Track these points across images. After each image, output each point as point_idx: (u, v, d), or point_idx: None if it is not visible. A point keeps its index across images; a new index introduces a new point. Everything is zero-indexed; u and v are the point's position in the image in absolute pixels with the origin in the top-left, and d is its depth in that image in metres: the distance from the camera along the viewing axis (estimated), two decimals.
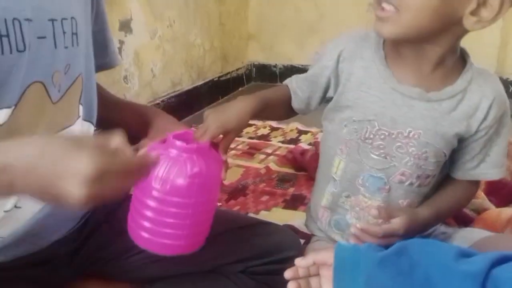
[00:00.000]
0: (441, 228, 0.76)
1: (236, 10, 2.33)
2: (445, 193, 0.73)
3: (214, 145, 0.62)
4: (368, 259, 0.51)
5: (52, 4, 0.57)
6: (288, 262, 0.69)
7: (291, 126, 1.77)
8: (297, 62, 2.41)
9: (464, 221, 0.95)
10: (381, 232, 0.63)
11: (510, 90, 2.18)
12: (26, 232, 0.60)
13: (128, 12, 1.55)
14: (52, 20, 0.57)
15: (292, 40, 2.43)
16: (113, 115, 0.75)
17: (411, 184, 0.69)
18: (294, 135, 1.71)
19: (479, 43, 2.00)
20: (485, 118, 0.66)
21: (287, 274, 0.57)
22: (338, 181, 0.73)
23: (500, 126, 0.68)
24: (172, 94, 1.85)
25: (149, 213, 0.56)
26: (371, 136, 0.68)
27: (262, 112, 0.70)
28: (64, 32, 0.58)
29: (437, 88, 0.66)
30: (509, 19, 2.02)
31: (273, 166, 1.40)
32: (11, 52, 0.52)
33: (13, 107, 0.54)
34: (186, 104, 1.92)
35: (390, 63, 0.68)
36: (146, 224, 0.57)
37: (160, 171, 0.54)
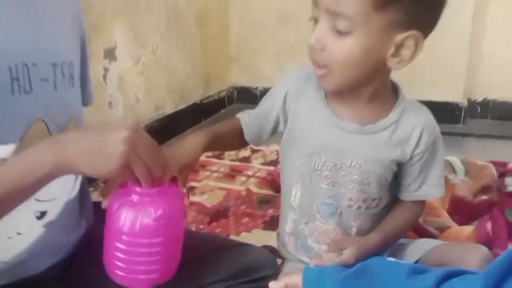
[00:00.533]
0: (400, 240, 0.84)
1: (218, 35, 2.41)
2: (393, 215, 0.81)
3: (173, 179, 0.66)
4: (332, 280, 0.58)
5: (54, 50, 0.64)
6: (265, 280, 0.76)
7: (271, 148, 1.83)
8: None
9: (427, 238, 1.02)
10: (335, 263, 0.70)
11: (478, 111, 2.30)
12: (26, 258, 0.64)
13: (113, 41, 1.61)
14: (54, 64, 0.63)
15: (272, 63, 2.51)
16: None
17: (359, 207, 0.77)
18: (274, 157, 1.77)
19: (447, 66, 2.12)
20: (417, 145, 0.74)
21: None
22: (296, 209, 0.80)
23: (434, 150, 0.76)
24: (156, 118, 1.90)
25: (120, 255, 0.62)
26: (319, 167, 0.75)
27: (214, 146, 0.79)
28: (63, 75, 0.64)
29: (372, 121, 0.74)
30: (475, 43, 2.14)
31: (254, 188, 1.46)
32: (19, 93, 0.58)
33: (18, 142, 0.59)
34: (169, 128, 1.97)
35: (330, 101, 0.76)
36: (119, 264, 0.62)
37: (126, 216, 0.60)
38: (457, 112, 2.18)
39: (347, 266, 0.63)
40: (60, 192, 0.68)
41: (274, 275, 0.79)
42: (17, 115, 0.59)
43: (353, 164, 0.74)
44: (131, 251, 0.61)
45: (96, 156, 0.54)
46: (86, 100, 0.80)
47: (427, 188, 0.79)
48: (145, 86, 1.83)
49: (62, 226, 0.70)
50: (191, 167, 0.74)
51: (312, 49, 0.68)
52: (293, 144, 0.78)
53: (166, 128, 1.94)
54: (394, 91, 0.77)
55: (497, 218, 1.06)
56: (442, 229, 1.05)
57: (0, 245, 0.62)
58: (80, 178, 0.73)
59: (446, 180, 1.25)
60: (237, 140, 0.83)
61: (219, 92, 2.47)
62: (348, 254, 0.71)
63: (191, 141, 0.75)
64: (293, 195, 0.80)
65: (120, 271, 0.63)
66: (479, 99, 2.27)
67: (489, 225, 1.05)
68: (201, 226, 1.22)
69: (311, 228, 0.80)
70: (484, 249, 0.76)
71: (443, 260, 0.73)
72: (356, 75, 0.70)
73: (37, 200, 0.64)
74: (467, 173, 1.30)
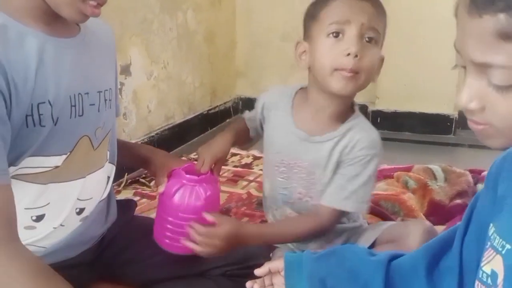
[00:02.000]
0: (365, 225, 1.00)
1: (225, 51, 2.57)
2: (292, 218, 0.91)
3: (210, 170, 0.88)
4: (308, 259, 0.69)
5: (100, 80, 0.81)
6: (258, 267, 0.91)
7: None
8: None
9: None
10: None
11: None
12: (64, 244, 0.80)
13: (128, 58, 1.78)
14: (99, 92, 0.80)
15: (276, 76, 2.65)
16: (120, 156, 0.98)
17: (307, 201, 0.92)
18: None
19: (439, 80, 2.25)
20: (349, 155, 0.86)
21: (249, 285, 0.72)
22: (267, 197, 0.97)
23: (363, 167, 0.85)
24: (166, 127, 2.07)
25: (172, 227, 0.83)
26: (278, 164, 0.92)
27: (237, 141, 0.98)
28: (105, 100, 0.81)
29: (321, 133, 0.89)
30: None
31: (254, 192, 1.60)
32: (75, 117, 0.75)
33: (68, 154, 0.75)
34: (178, 136, 2.13)
35: (294, 112, 0.91)
36: (169, 234, 0.83)
37: (183, 196, 0.82)
38: (448, 124, 2.31)
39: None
40: (96, 193, 0.84)
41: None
42: (71, 134, 0.75)
43: (302, 164, 0.90)
44: (181, 224, 0.82)
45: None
46: (117, 114, 0.97)
47: (339, 199, 0.86)
48: (156, 98, 2.00)
49: (93, 220, 0.85)
50: (223, 159, 0.94)
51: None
52: (266, 145, 0.96)
53: (175, 137, 2.10)
54: (350, 107, 0.92)
55: None
56: None
57: (47, 234, 0.78)
58: (110, 181, 0.89)
59: (426, 186, 1.40)
60: (248, 135, 1.02)
61: (225, 103, 2.63)
62: (221, 229, 0.81)
63: (221, 140, 0.95)
64: (265, 186, 0.98)
65: (169, 240, 0.84)
66: None
67: None
68: None
69: (280, 214, 0.96)
70: (427, 223, 0.91)
71: (394, 236, 0.86)
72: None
73: (79, 199, 0.80)
74: (446, 179, 1.44)
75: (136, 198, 1.51)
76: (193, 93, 2.31)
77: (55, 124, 0.71)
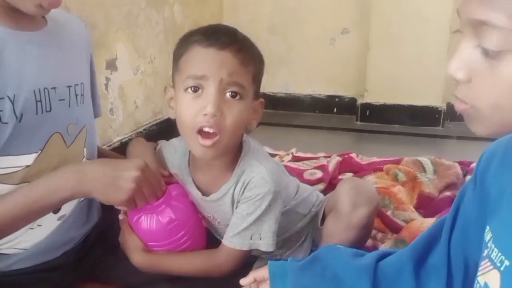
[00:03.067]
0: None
1: None
2: (197, 253, 0.86)
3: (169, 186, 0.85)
4: (293, 268, 0.68)
5: (70, 74, 0.78)
6: (247, 266, 0.90)
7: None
8: (268, 90, 2.62)
9: (395, 228, 1.16)
10: None
11: (458, 114, 2.42)
12: (44, 245, 0.78)
13: (114, 53, 1.75)
14: (69, 87, 0.77)
15: (264, 71, 2.65)
16: None
17: None
18: None
19: (428, 73, 2.25)
20: (245, 198, 0.81)
21: None
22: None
23: (254, 207, 0.80)
24: (153, 123, 2.04)
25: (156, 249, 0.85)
26: (209, 220, 0.90)
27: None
28: (76, 95, 0.78)
29: (216, 188, 0.83)
30: (453, 53, 2.28)
31: None
32: (42, 113, 0.72)
33: (39, 152, 0.73)
34: (166, 131, 2.10)
35: (191, 171, 0.85)
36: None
37: (144, 228, 0.82)
38: (436, 116, 2.32)
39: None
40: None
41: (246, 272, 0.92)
42: (40, 131, 0.72)
43: (217, 221, 0.89)
44: (162, 247, 0.83)
45: (110, 188, 0.70)
46: (95, 113, 0.94)
47: (231, 236, 0.82)
48: (143, 93, 1.97)
49: (73, 220, 0.83)
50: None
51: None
52: None
53: (163, 132, 2.07)
54: (239, 143, 0.84)
55: None
56: (407, 221, 1.19)
57: (24, 235, 0.76)
58: None
59: (416, 178, 1.40)
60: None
61: None
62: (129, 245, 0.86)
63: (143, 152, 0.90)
64: None
65: None
66: None
67: None
68: None
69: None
70: (354, 180, 0.98)
71: (331, 204, 0.91)
72: (236, 140, 0.82)
73: None
74: (435, 172, 1.44)
75: None
76: None
77: (19, 121, 0.69)
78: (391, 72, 2.31)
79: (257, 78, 0.81)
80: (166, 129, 2.11)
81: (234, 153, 0.83)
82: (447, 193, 1.33)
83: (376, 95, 2.36)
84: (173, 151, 0.89)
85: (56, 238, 0.81)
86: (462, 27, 0.43)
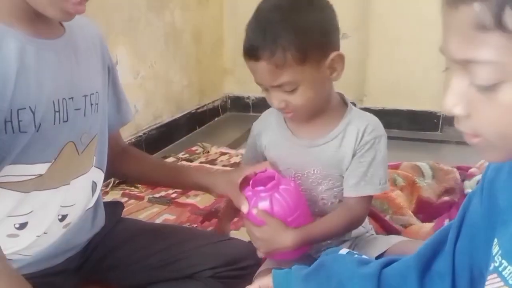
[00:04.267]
0: (371, 231, 0.98)
1: (212, 49, 2.56)
2: (328, 217, 0.90)
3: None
4: (297, 277, 0.67)
5: (85, 84, 0.78)
6: (247, 269, 0.90)
7: None
8: None
9: (393, 233, 1.17)
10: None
11: None
12: (48, 252, 0.78)
13: (115, 57, 1.76)
14: (85, 96, 0.77)
15: None
16: (151, 174, 0.99)
17: (332, 203, 0.91)
18: None
19: (426, 78, 2.27)
20: (358, 143, 0.86)
21: None
22: None
23: (374, 150, 0.86)
24: (153, 127, 2.05)
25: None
26: (293, 179, 0.90)
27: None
28: (91, 104, 0.78)
29: (323, 133, 0.88)
30: None
31: None
32: (59, 123, 0.72)
33: (52, 161, 0.73)
34: (166, 135, 2.12)
35: (289, 125, 0.90)
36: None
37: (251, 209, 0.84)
38: (435, 121, 2.33)
39: (306, 264, 0.72)
40: (79, 201, 0.82)
41: (255, 265, 0.93)
42: (55, 140, 0.72)
43: (315, 171, 0.89)
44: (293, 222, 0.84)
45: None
46: (125, 119, 0.95)
47: (363, 185, 0.86)
48: (144, 97, 1.98)
49: (79, 228, 0.83)
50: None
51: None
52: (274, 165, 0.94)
53: (163, 136, 2.09)
54: (343, 102, 0.91)
55: (454, 217, 1.20)
56: (406, 225, 1.19)
57: (30, 242, 0.76)
58: (97, 192, 0.87)
59: (414, 183, 1.41)
60: None
61: (213, 102, 2.62)
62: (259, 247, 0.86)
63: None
64: None
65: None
66: None
67: (446, 222, 1.20)
68: (194, 225, 1.36)
69: None
70: None
71: (405, 252, 0.85)
72: (317, 101, 0.84)
73: (61, 206, 0.78)
74: (433, 177, 1.45)
75: (124, 199, 1.50)
76: (181, 92, 2.29)
77: (37, 131, 0.69)
78: (390, 77, 2.32)
79: (309, 51, 0.79)
80: (166, 133, 2.12)
81: (334, 106, 0.89)
82: (446, 198, 1.34)
83: (375, 99, 2.37)
84: (262, 119, 0.95)
85: (61, 245, 0.81)
86: (449, 64, 0.43)
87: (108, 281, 0.91)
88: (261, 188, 0.84)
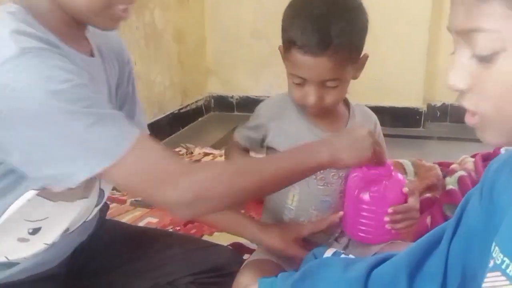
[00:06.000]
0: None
1: (194, 49, 2.54)
2: None
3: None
4: (283, 285, 0.66)
5: (107, 97, 0.76)
6: (227, 276, 0.89)
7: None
8: (252, 93, 2.62)
9: None
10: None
11: (438, 115, 2.48)
12: (42, 258, 0.76)
13: None
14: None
15: (247, 74, 2.65)
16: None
17: (341, 196, 0.91)
18: None
19: (407, 74, 2.28)
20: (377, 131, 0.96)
21: None
22: (294, 210, 0.92)
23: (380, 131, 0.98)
24: None
25: (364, 221, 0.87)
26: (317, 173, 0.88)
27: None
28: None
29: (342, 125, 0.92)
30: (432, 52, 2.31)
31: None
32: None
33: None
34: (151, 135, 2.09)
35: (309, 117, 0.90)
36: (362, 227, 0.88)
37: (357, 188, 0.86)
38: (417, 117, 2.35)
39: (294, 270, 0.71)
40: (79, 217, 0.79)
41: (236, 272, 0.90)
42: None
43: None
44: (355, 213, 0.87)
45: (356, 149, 0.76)
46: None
47: None
48: None
49: (76, 233, 0.82)
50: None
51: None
52: None
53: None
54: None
55: (436, 213, 1.21)
56: None
57: (38, 250, 0.75)
58: (104, 199, 0.84)
59: None
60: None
61: (196, 102, 2.60)
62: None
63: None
64: (290, 199, 0.93)
65: (363, 233, 0.88)
66: (438, 104, 2.45)
67: (428, 219, 1.21)
68: (177, 228, 1.34)
69: (307, 219, 0.93)
70: None
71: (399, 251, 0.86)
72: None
73: (75, 217, 0.77)
74: (416, 173, 1.46)
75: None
76: (163, 92, 2.27)
77: None
78: (373, 74, 2.31)
79: (358, 50, 0.85)
80: (151, 133, 2.09)
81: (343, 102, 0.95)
82: (428, 195, 1.35)
83: (358, 96, 2.34)
84: (276, 105, 0.94)
85: (57, 251, 0.79)
86: (455, 42, 0.43)
87: (96, 286, 0.89)
88: (376, 172, 0.86)
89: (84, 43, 0.72)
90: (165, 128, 2.25)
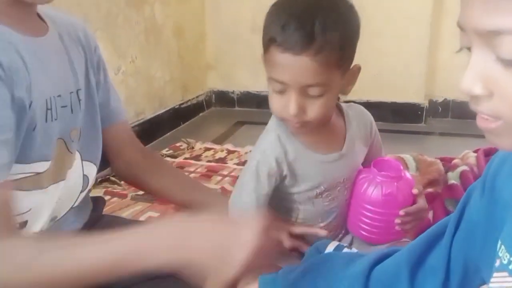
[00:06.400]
0: None
1: (194, 44, 2.53)
2: None
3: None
4: (283, 283, 0.64)
5: (71, 81, 0.77)
6: None
7: (246, 149, 1.95)
8: (252, 89, 2.62)
9: None
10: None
11: (439, 110, 2.47)
12: None
13: None
14: (71, 93, 0.76)
15: (247, 69, 2.64)
16: (194, 198, 0.93)
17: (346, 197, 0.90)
18: (248, 157, 1.89)
19: (409, 70, 2.28)
20: (372, 135, 0.91)
21: None
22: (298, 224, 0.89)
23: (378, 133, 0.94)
24: (136, 124, 2.02)
25: (364, 219, 0.86)
26: (318, 194, 0.85)
27: None
28: (75, 101, 0.77)
29: (342, 140, 0.85)
30: (433, 48, 2.30)
31: (228, 187, 1.58)
32: (52, 121, 0.71)
33: (49, 159, 0.72)
34: (149, 132, 2.08)
35: (304, 141, 0.81)
36: (363, 225, 0.87)
37: (367, 190, 0.84)
38: (419, 112, 2.35)
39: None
40: (65, 201, 0.80)
41: None
42: (49, 139, 0.71)
43: (344, 179, 0.86)
44: (362, 213, 0.86)
45: (217, 262, 0.52)
46: (114, 118, 0.90)
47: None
48: (125, 94, 1.94)
49: (65, 221, 0.81)
50: None
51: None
52: (288, 188, 0.84)
53: (146, 133, 2.05)
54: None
55: (438, 208, 1.20)
56: None
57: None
58: (89, 185, 0.85)
59: None
60: None
61: (197, 97, 2.59)
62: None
63: None
64: (294, 217, 0.88)
65: (364, 232, 0.88)
66: (440, 99, 2.44)
67: (430, 214, 1.20)
68: None
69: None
70: None
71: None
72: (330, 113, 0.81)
73: (56, 202, 0.77)
74: (417, 168, 1.45)
75: (106, 197, 1.47)
76: (163, 87, 2.26)
77: (33, 130, 0.67)
78: (374, 70, 2.32)
79: (346, 55, 0.75)
80: (148, 130, 2.09)
81: (336, 113, 0.86)
82: (430, 190, 1.34)
83: (359, 92, 2.34)
84: (278, 143, 0.81)
85: None
86: (469, 41, 0.38)
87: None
88: (385, 173, 0.85)
89: (34, 25, 0.71)
90: (166, 123, 2.25)
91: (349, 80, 0.79)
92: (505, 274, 0.43)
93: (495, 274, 0.44)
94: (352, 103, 0.93)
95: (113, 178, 1.61)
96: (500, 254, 0.44)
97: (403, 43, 2.25)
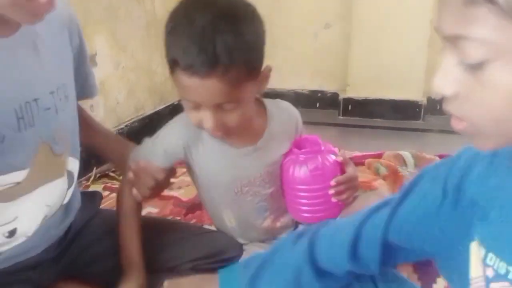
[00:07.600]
0: None
1: None
2: None
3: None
4: (242, 277, 0.66)
5: (51, 77, 0.70)
6: (230, 261, 0.90)
7: None
8: None
9: None
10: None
11: (438, 108, 2.47)
12: (25, 245, 0.76)
13: (93, 47, 1.72)
14: (52, 93, 0.70)
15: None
16: (97, 141, 0.96)
17: (277, 190, 0.93)
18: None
19: (408, 67, 2.28)
20: (298, 130, 0.92)
21: None
22: (236, 227, 0.94)
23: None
24: (136, 119, 2.02)
25: (300, 200, 0.88)
26: (240, 189, 0.88)
27: None
28: (60, 99, 0.72)
29: (260, 136, 0.87)
30: (433, 45, 2.30)
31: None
32: (25, 129, 0.65)
33: (28, 167, 0.67)
34: (149, 127, 2.07)
35: (221, 139, 0.84)
36: (303, 204, 0.89)
37: (294, 171, 0.85)
38: (417, 109, 2.35)
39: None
40: (56, 201, 0.79)
41: (237, 257, 0.93)
42: (25, 147, 0.66)
43: (261, 174, 0.88)
44: (298, 195, 0.87)
45: None
46: (89, 93, 0.89)
47: None
48: (125, 88, 1.95)
49: (54, 219, 0.81)
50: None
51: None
52: (208, 185, 0.90)
53: (146, 128, 2.05)
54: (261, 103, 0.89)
55: None
56: None
57: (20, 242, 0.73)
58: (72, 187, 0.84)
59: (397, 172, 1.42)
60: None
61: None
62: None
63: None
64: (228, 221, 0.94)
65: (304, 207, 0.89)
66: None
67: None
68: (178, 218, 1.35)
69: (254, 228, 0.95)
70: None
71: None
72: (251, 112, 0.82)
73: (46, 205, 0.76)
74: (416, 165, 1.46)
75: (105, 193, 1.48)
76: (164, 82, 2.26)
77: (1, 142, 0.63)
78: (373, 66, 2.33)
79: (254, 65, 0.75)
80: (149, 125, 2.09)
81: (257, 110, 0.87)
82: None
83: (358, 89, 2.38)
84: (190, 131, 0.86)
85: (36, 238, 0.79)
86: (443, 43, 0.41)
87: (86, 277, 0.90)
88: (307, 150, 0.87)
89: (3, 26, 0.63)
90: (167, 118, 2.23)
91: (262, 83, 0.79)
92: (507, 284, 0.43)
93: (492, 285, 0.45)
94: (278, 100, 0.91)
95: (112, 174, 1.62)
96: (490, 263, 0.44)
97: (402, 40, 2.25)
